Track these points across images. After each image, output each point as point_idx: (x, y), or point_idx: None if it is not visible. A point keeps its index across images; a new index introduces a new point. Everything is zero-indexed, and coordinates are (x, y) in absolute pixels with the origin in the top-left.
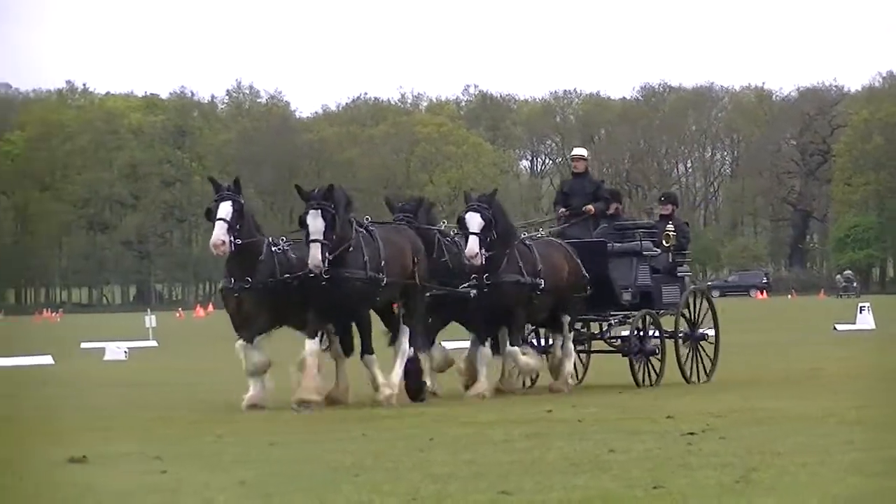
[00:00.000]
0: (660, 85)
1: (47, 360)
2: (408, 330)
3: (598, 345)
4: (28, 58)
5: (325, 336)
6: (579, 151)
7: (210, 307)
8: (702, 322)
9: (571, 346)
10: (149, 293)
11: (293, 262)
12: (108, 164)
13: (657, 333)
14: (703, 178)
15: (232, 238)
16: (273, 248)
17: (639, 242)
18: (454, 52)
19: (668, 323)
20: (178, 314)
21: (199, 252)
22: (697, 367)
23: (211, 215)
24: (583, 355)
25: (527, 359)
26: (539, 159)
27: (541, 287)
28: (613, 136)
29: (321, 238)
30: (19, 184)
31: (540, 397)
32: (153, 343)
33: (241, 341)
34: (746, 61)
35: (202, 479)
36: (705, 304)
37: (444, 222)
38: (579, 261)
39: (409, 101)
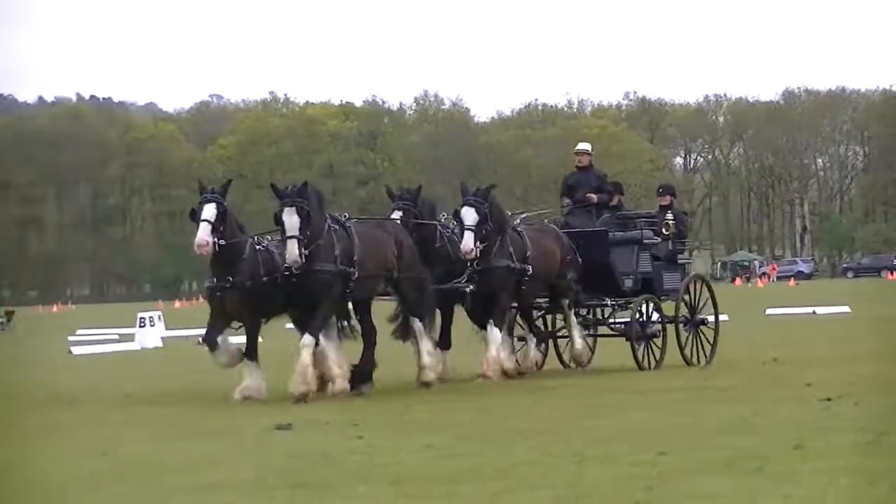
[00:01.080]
0: (799, 88)
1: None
2: (418, 323)
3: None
4: (236, 71)
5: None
6: (583, 146)
7: None
8: (701, 308)
9: (574, 320)
10: None
11: (276, 260)
12: (309, 165)
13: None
14: (839, 172)
15: (215, 239)
16: (257, 248)
17: (640, 231)
18: (616, 60)
19: (669, 309)
20: None
21: None
22: (698, 350)
23: (195, 216)
24: (590, 340)
25: (498, 351)
26: (691, 156)
27: (529, 273)
28: (759, 134)
29: (297, 234)
30: (233, 183)
31: (688, 369)
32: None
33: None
34: (876, 65)
35: (394, 443)
36: (706, 290)
37: (444, 214)
38: (574, 247)
39: (576, 105)
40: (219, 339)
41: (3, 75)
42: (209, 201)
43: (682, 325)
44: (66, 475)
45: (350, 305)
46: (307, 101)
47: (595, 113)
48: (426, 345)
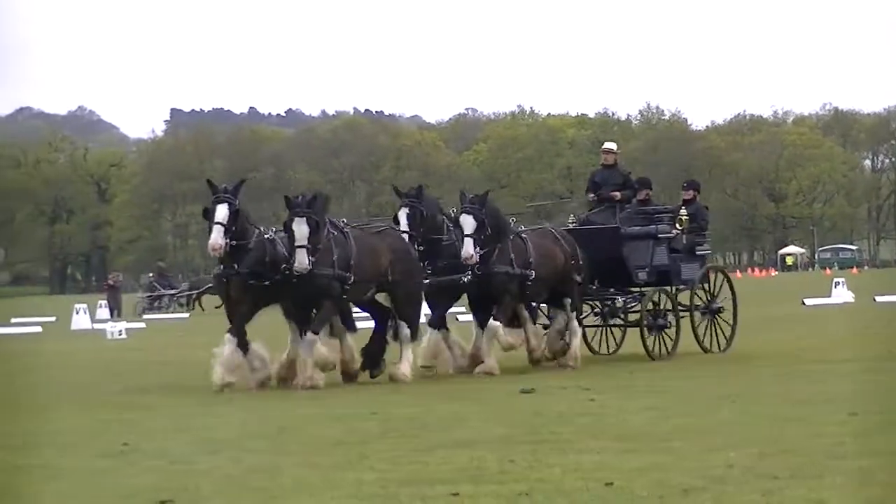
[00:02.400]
0: None
1: None
2: (405, 330)
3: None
4: (489, 88)
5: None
6: (609, 146)
7: None
8: (718, 297)
9: (576, 324)
10: None
11: (279, 253)
12: (550, 167)
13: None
14: None
15: (227, 240)
16: (266, 237)
17: (654, 226)
18: (814, 75)
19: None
20: None
21: None
22: (715, 338)
23: (209, 216)
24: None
25: (506, 336)
26: (878, 158)
27: (531, 277)
28: None
29: (306, 243)
30: (483, 184)
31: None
32: None
33: (228, 335)
34: None
35: (620, 405)
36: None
37: (453, 211)
38: (577, 248)
39: (779, 115)
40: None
41: (293, 93)
42: (221, 202)
43: (698, 313)
44: (342, 432)
45: None
46: (549, 113)
47: (795, 121)
48: (407, 356)
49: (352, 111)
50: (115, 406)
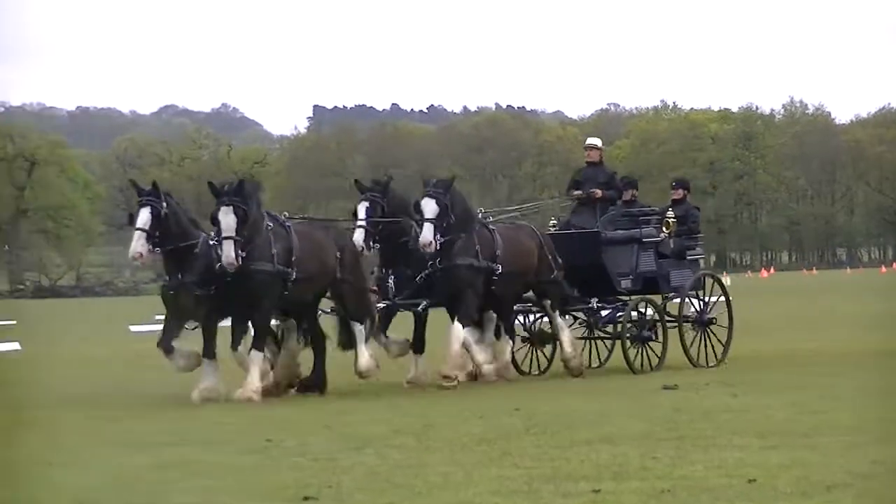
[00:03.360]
0: None
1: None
2: (358, 326)
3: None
4: (632, 82)
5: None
6: (593, 141)
7: (772, 270)
8: (711, 308)
9: (560, 321)
10: (725, 260)
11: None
12: (692, 162)
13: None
14: None
15: (150, 247)
16: (211, 244)
17: (638, 229)
18: None
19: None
20: (747, 275)
21: (763, 228)
22: (709, 350)
23: (132, 222)
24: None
25: (478, 352)
26: None
27: (498, 272)
28: None
29: (233, 234)
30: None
31: None
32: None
33: (205, 359)
34: None
35: (762, 401)
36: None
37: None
38: (554, 247)
39: None
40: (174, 343)
41: (435, 89)
42: (143, 206)
43: (688, 324)
44: (485, 429)
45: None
46: (691, 108)
47: None
48: (363, 349)
49: (493, 107)
50: (259, 403)
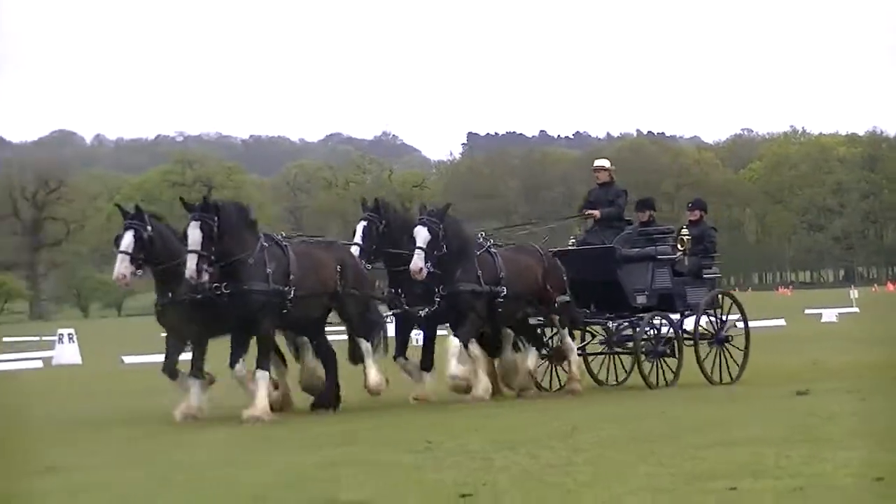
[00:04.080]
0: None
1: (780, 322)
2: (364, 343)
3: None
4: (763, 108)
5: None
6: (601, 163)
7: None
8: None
9: (570, 341)
10: (853, 275)
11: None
12: (821, 183)
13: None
14: None
15: (134, 269)
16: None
17: (654, 247)
18: None
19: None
20: (873, 289)
21: (889, 243)
22: (722, 367)
23: (117, 245)
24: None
25: (458, 365)
26: None
27: (502, 294)
28: None
29: (198, 249)
30: (759, 199)
31: None
32: (856, 310)
33: (191, 378)
34: None
35: (891, 405)
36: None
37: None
38: (562, 267)
39: None
40: (178, 368)
41: (580, 116)
42: (127, 229)
43: (704, 341)
44: (632, 431)
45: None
46: (820, 133)
47: None
48: (371, 365)
49: (635, 133)
50: (416, 407)
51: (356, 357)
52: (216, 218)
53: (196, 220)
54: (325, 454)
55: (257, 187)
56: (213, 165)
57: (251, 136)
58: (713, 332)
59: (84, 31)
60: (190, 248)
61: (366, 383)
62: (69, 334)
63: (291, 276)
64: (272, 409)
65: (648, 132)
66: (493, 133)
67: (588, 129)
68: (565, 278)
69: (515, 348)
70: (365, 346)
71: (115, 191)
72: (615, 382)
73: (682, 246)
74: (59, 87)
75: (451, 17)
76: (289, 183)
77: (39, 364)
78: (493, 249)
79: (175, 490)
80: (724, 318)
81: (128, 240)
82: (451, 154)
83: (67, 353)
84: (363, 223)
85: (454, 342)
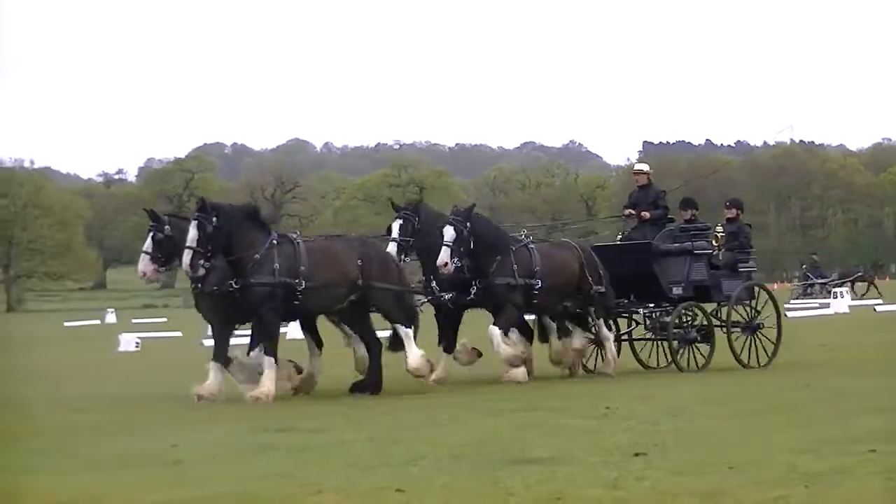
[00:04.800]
0: None
1: None
2: (402, 329)
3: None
4: None
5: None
6: (640, 167)
7: None
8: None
9: (606, 331)
10: None
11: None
12: None
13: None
14: None
15: (157, 267)
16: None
17: (690, 243)
18: None
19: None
20: None
21: None
22: (754, 353)
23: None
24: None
25: (505, 346)
26: None
27: (537, 286)
28: None
29: (193, 246)
30: None
31: None
32: None
33: (212, 362)
34: None
35: None
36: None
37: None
38: (595, 260)
39: None
40: (230, 356)
41: (742, 126)
42: (149, 231)
43: (737, 329)
44: (780, 400)
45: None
46: None
47: None
48: (412, 348)
49: (788, 141)
50: (587, 379)
51: (395, 345)
52: (214, 218)
53: (194, 219)
54: (512, 419)
55: (462, 188)
56: (424, 169)
57: (457, 144)
58: (746, 320)
59: (317, 50)
60: (187, 244)
61: (406, 365)
62: None
63: (301, 269)
64: (296, 391)
65: (801, 140)
66: (665, 142)
67: (748, 137)
68: (601, 271)
69: (563, 333)
70: (403, 331)
71: (341, 191)
72: (657, 366)
73: (716, 241)
74: (294, 101)
75: (628, 36)
76: (489, 184)
77: None
78: (530, 245)
79: (396, 446)
80: (757, 308)
81: (147, 242)
82: (627, 160)
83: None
84: (399, 221)
85: (493, 330)
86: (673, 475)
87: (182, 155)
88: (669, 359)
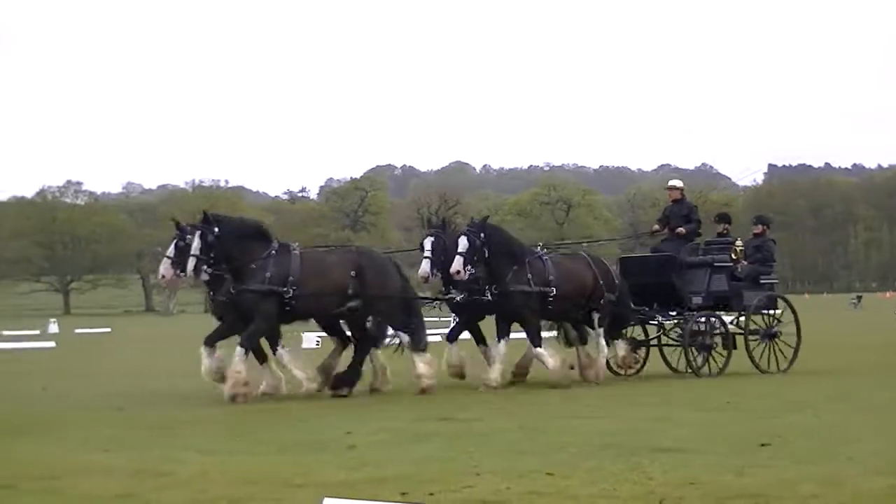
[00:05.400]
0: None
1: None
2: (404, 336)
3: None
4: None
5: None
6: (674, 183)
7: None
8: (777, 323)
9: (603, 342)
10: None
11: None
12: None
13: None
14: None
15: (176, 272)
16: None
17: (711, 256)
18: None
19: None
20: None
21: None
22: (772, 360)
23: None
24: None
25: (552, 360)
26: None
27: (552, 294)
28: None
29: (197, 253)
30: None
31: None
32: None
33: (203, 346)
34: None
35: None
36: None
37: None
38: (610, 270)
39: None
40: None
41: (859, 149)
42: (173, 239)
43: (756, 337)
44: (886, 398)
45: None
46: None
47: None
48: (418, 357)
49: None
50: (715, 378)
51: (405, 347)
52: (216, 229)
53: (198, 230)
54: (648, 412)
55: (605, 205)
56: (571, 189)
57: (601, 166)
58: (764, 328)
59: (478, 82)
60: (190, 252)
61: (414, 372)
62: None
63: (291, 278)
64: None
65: (877, 165)
66: (788, 164)
67: (863, 160)
68: (616, 281)
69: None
70: (404, 339)
71: (498, 207)
72: (685, 371)
73: (735, 255)
74: (456, 127)
75: (760, 68)
76: (629, 201)
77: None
78: (544, 256)
79: (545, 435)
80: (776, 317)
81: (170, 248)
82: (754, 181)
83: None
84: (431, 239)
85: (538, 350)
86: (795, 464)
87: (357, 175)
88: (693, 363)
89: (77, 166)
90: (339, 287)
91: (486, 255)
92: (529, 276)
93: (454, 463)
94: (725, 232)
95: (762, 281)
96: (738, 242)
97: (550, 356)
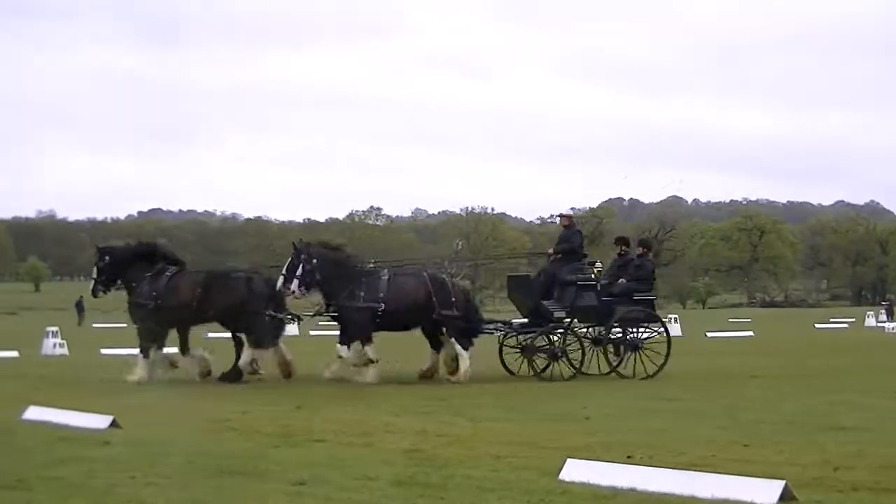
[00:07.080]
0: None
1: None
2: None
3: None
4: None
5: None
6: (565, 212)
7: None
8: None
9: (460, 347)
10: None
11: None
12: None
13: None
14: None
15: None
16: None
17: (575, 275)
18: None
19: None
20: None
21: None
22: (638, 367)
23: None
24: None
25: (350, 356)
26: None
27: (380, 308)
28: None
29: (283, 272)
30: None
31: None
32: None
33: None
34: None
35: None
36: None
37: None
38: (448, 288)
39: None
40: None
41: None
42: (290, 257)
43: (617, 345)
44: None
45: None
46: None
47: None
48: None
49: None
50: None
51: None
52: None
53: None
54: (827, 397)
55: (790, 232)
56: (763, 218)
57: (788, 201)
58: (629, 339)
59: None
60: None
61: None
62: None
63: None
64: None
65: None
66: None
67: None
68: (453, 298)
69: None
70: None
71: (703, 233)
72: (599, 372)
73: (594, 275)
74: (673, 164)
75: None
76: (810, 230)
77: None
78: (383, 275)
79: (744, 413)
80: (640, 329)
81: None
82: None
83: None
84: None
85: (343, 350)
86: None
87: (594, 205)
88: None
89: (377, 194)
90: (236, 302)
91: (318, 277)
92: (361, 293)
93: (672, 434)
94: (624, 253)
95: (636, 297)
96: (598, 264)
97: (349, 353)
